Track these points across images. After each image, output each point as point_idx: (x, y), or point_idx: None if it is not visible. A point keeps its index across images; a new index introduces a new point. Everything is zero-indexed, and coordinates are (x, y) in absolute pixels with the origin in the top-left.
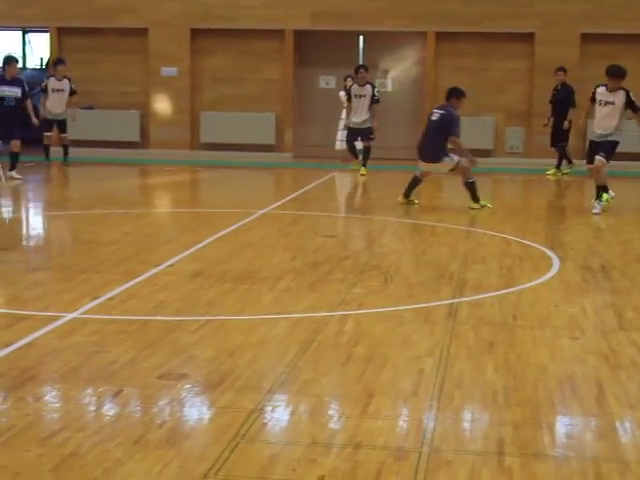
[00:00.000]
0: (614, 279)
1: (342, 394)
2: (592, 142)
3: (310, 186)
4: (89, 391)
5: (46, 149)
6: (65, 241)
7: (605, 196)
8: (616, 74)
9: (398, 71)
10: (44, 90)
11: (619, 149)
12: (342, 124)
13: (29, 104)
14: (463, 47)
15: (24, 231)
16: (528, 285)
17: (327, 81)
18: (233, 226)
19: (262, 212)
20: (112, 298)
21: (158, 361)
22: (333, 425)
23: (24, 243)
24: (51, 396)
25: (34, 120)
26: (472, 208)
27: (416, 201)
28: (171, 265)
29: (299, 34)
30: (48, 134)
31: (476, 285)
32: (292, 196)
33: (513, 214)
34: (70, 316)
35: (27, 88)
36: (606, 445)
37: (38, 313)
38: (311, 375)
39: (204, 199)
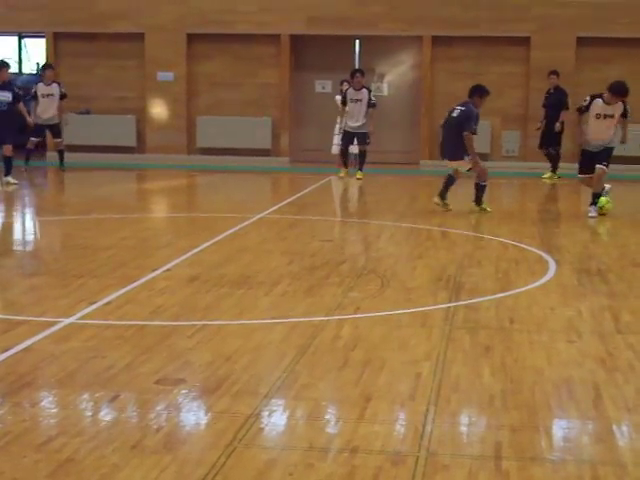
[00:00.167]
0: (610, 282)
1: (339, 398)
2: (587, 152)
3: (307, 190)
4: (86, 396)
5: (28, 153)
6: (62, 246)
7: (603, 200)
8: (620, 93)
9: (394, 75)
10: (34, 96)
11: (615, 153)
12: (338, 128)
13: (22, 106)
14: (459, 51)
15: (20, 236)
16: (525, 289)
17: (323, 85)
18: (230, 231)
19: (259, 216)
20: (109, 303)
21: (155, 366)
22: (330, 429)
23: (20, 248)
24: (48, 401)
25: (29, 120)
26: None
27: (450, 206)
28: (168, 270)
29: (295, 39)
30: (34, 139)
31: (473, 289)
32: (289, 200)
33: (509, 218)
34: (67, 321)
35: (18, 91)
36: (603, 448)
37: (35, 318)
38: (308, 379)
39: (201, 204)
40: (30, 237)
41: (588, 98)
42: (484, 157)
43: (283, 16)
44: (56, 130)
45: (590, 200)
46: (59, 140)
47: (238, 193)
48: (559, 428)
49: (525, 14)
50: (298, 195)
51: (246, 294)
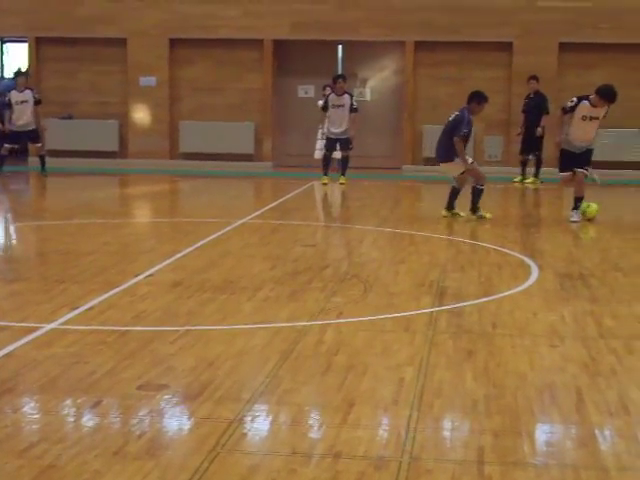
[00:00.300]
0: (593, 287)
1: (322, 403)
2: (569, 152)
3: (289, 195)
4: (68, 402)
5: (1, 160)
6: (44, 251)
7: (584, 205)
8: (609, 99)
9: (377, 80)
10: (8, 104)
11: (602, 158)
12: (320, 133)
13: None
14: (442, 56)
15: (2, 241)
16: (507, 293)
17: (306, 90)
18: (213, 236)
19: (241, 221)
20: (91, 308)
21: (137, 372)
22: (313, 435)
23: (1, 253)
24: (30, 407)
25: (1, 127)
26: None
27: (462, 213)
28: (150, 275)
29: (278, 44)
30: (7, 146)
31: (455, 294)
32: (271, 205)
33: (492, 222)
34: (49, 327)
35: None
36: (586, 453)
37: (16, 324)
38: (291, 385)
39: (183, 209)
40: (11, 242)
41: (575, 99)
42: None
43: (266, 21)
44: (34, 136)
45: (572, 204)
46: (39, 145)
47: (221, 198)
48: (542, 433)
49: (508, 19)
50: (281, 200)
51: (229, 299)
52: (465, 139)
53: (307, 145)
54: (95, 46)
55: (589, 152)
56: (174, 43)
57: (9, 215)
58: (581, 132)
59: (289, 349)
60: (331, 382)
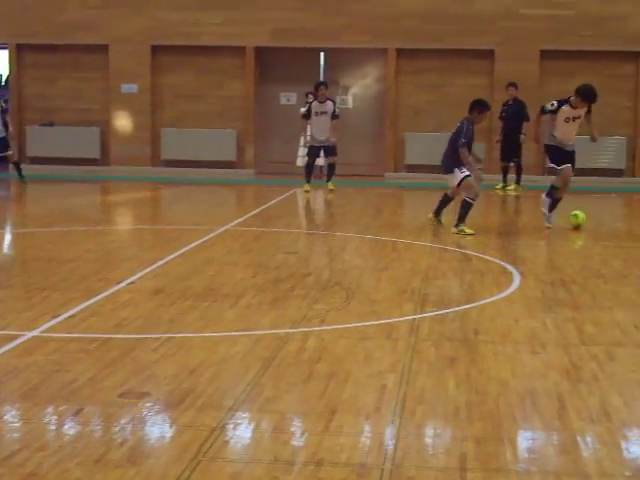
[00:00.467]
0: (574, 294)
1: (304, 411)
2: (560, 148)
3: (272, 202)
4: (49, 410)
5: None
6: (25, 259)
7: (571, 217)
8: (589, 99)
9: (359, 88)
10: None
11: (582, 165)
12: (303, 140)
13: None
14: (424, 64)
15: None
16: (489, 300)
17: (288, 98)
18: (195, 243)
19: (224, 229)
20: (73, 316)
21: (119, 379)
22: (295, 442)
23: None
24: (11, 415)
25: None
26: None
27: (441, 222)
28: (132, 282)
29: (260, 51)
30: None
31: (437, 301)
32: (254, 212)
33: (474, 229)
34: (30, 334)
35: None
36: (568, 459)
37: None
38: (273, 392)
39: (165, 216)
40: None
41: (555, 103)
42: None
43: (248, 28)
44: (3, 144)
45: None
46: (10, 153)
47: (203, 205)
48: (524, 439)
49: (489, 27)
50: (263, 207)
51: (211, 307)
52: (468, 148)
53: (289, 152)
54: (77, 53)
55: (574, 153)
56: (156, 50)
57: None
58: (566, 132)
59: (271, 356)
60: (313, 389)
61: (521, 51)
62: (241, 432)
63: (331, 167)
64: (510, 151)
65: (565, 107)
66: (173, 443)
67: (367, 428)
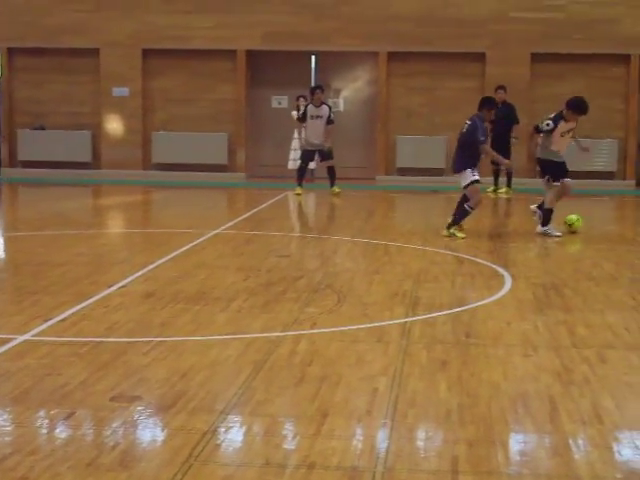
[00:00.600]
0: (566, 297)
1: (296, 414)
2: (558, 162)
3: (263, 206)
4: (41, 414)
5: None
6: (16, 263)
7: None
8: (582, 112)
9: (350, 91)
10: None
11: (573, 168)
12: (294, 144)
13: None
14: (415, 67)
15: None
16: (481, 303)
17: (279, 101)
18: (186, 246)
19: (215, 232)
20: (64, 320)
21: (110, 383)
22: (287, 445)
23: None
24: (2, 419)
25: None
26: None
27: (460, 234)
28: (123, 286)
29: (251, 54)
30: None
31: (429, 304)
32: (245, 216)
33: (465, 232)
34: (21, 338)
35: None
36: (559, 462)
37: None
38: (264, 395)
39: (157, 219)
40: None
41: (551, 123)
42: (439, 172)
43: (239, 31)
44: None
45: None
46: None
47: (194, 209)
48: (515, 442)
49: (480, 30)
50: (255, 210)
51: (202, 310)
52: (481, 145)
53: (281, 155)
54: (68, 56)
55: (565, 163)
56: (147, 54)
57: None
58: (563, 146)
59: (263, 360)
60: (305, 393)
61: (512, 54)
62: (233, 435)
63: (331, 170)
64: (500, 154)
65: (561, 123)
66: (165, 447)
67: (359, 431)
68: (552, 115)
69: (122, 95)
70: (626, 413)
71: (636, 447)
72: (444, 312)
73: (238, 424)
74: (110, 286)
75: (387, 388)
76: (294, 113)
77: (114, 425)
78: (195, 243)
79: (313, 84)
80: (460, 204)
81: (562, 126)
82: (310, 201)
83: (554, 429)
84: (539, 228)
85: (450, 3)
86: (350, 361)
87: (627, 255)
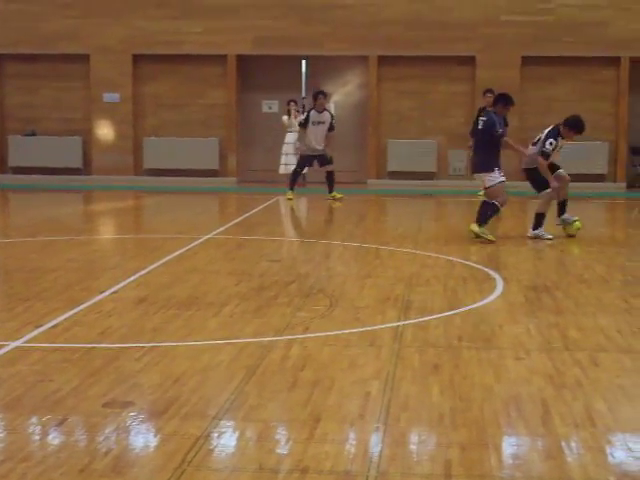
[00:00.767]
0: (558, 299)
1: (288, 419)
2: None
3: (254, 210)
4: (33, 420)
5: None
6: (7, 269)
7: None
8: (581, 131)
9: (341, 95)
10: None
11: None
12: (285, 148)
13: None
14: (405, 71)
15: None
16: (473, 306)
17: (270, 106)
18: (178, 252)
19: (207, 237)
20: (56, 326)
21: (103, 389)
22: (280, 450)
23: None
24: None
25: None
26: (472, 230)
27: (490, 236)
28: (115, 292)
29: (241, 59)
30: None
31: (421, 307)
32: (237, 221)
33: (457, 236)
34: (13, 345)
35: None
36: (552, 465)
37: None
38: (257, 400)
39: (148, 225)
40: None
41: (553, 141)
42: (430, 176)
43: (229, 36)
44: None
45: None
46: None
47: (186, 214)
48: (508, 445)
49: (470, 34)
50: (246, 215)
51: (194, 315)
52: (502, 136)
53: (272, 160)
54: (58, 62)
55: None
56: (137, 59)
57: None
58: (558, 156)
59: (255, 365)
60: (297, 397)
61: (502, 57)
62: (225, 440)
63: (330, 176)
64: None
65: (561, 141)
66: (157, 452)
67: (352, 435)
68: (548, 131)
69: (113, 101)
70: (618, 416)
71: (629, 449)
72: (436, 315)
73: (231, 429)
74: (102, 292)
75: (380, 392)
76: (285, 118)
77: (107, 431)
78: (187, 248)
79: (304, 89)
80: (485, 202)
81: (561, 142)
82: (302, 206)
83: (547, 432)
84: (530, 231)
85: (440, 7)
86: (342, 365)
87: (618, 257)
